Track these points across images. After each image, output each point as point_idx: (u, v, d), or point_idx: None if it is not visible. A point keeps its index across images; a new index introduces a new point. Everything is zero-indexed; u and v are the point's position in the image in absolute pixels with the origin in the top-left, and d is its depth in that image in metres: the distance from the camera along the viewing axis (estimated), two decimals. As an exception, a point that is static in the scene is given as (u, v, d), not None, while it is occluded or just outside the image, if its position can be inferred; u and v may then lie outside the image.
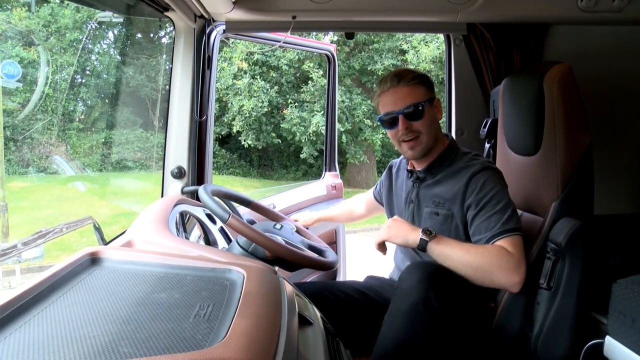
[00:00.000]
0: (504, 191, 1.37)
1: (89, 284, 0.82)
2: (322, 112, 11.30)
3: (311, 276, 2.37)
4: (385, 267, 1.88)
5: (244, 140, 11.33)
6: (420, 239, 1.31)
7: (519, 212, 1.55)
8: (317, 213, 2.04)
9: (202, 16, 1.77)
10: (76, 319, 0.69)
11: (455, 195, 1.39)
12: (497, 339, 1.37)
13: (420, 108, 1.42)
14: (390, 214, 1.66)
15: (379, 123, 1.53)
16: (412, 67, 11.00)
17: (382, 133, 10.75)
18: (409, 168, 1.56)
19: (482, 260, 1.26)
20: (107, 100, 10.61)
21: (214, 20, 1.78)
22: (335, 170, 2.82)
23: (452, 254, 1.29)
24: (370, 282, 1.70)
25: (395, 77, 1.45)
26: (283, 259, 1.29)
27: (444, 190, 1.43)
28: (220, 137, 12.10)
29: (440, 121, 1.53)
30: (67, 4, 9.33)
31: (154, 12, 1.69)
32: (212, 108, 1.91)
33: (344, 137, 11.30)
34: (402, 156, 1.65)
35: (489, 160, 1.51)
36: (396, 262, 1.68)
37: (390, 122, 1.46)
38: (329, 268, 1.41)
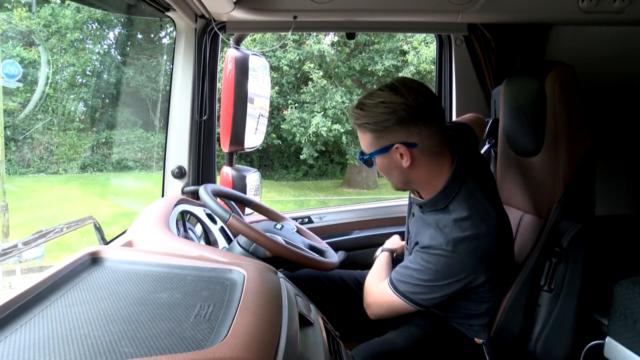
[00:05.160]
0: (440, 273, 1.19)
1: (89, 283, 0.82)
2: (322, 113, 11.32)
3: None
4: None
5: (245, 141, 11.35)
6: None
7: (520, 213, 1.55)
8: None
9: (203, 16, 1.77)
10: (77, 319, 0.69)
11: None
12: (497, 340, 1.37)
13: (367, 157, 1.23)
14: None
15: None
16: (412, 67, 10.95)
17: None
18: None
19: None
20: (107, 101, 10.62)
21: (214, 20, 1.78)
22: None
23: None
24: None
25: (352, 109, 1.22)
26: (284, 259, 1.29)
27: (423, 237, 1.27)
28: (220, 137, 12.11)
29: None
30: (68, 4, 9.34)
31: (155, 12, 1.69)
32: (215, 108, 1.91)
33: (344, 137, 11.30)
34: None
35: (474, 229, 1.18)
36: None
37: None
38: (330, 268, 1.41)
